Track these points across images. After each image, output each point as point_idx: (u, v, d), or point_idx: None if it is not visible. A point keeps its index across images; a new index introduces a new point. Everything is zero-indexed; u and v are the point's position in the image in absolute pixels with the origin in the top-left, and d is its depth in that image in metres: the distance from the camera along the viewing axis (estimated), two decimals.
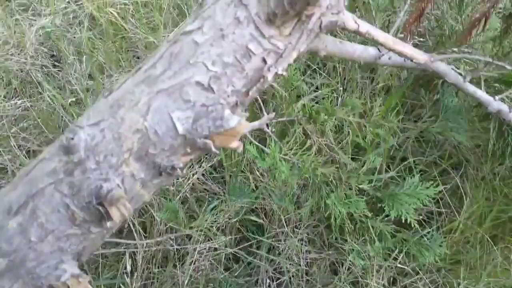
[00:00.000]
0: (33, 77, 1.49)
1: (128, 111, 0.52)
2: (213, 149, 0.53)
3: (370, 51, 0.76)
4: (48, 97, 1.37)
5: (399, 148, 1.15)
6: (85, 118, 0.54)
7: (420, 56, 0.65)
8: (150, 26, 1.53)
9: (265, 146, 0.96)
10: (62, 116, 1.33)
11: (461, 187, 1.19)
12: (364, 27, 0.60)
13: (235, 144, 0.54)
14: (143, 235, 1.10)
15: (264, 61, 0.54)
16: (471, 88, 0.73)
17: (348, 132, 1.02)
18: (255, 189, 1.07)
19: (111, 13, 1.52)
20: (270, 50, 0.53)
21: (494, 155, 0.96)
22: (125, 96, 0.53)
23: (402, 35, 0.84)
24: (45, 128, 1.31)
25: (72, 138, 0.51)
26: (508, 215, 1.18)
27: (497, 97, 0.76)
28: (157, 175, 0.54)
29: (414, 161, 1.14)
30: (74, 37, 1.59)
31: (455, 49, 0.77)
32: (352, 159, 1.12)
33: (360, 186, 0.91)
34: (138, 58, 1.47)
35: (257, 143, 0.92)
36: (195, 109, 0.53)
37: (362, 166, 1.01)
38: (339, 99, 1.02)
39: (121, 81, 0.56)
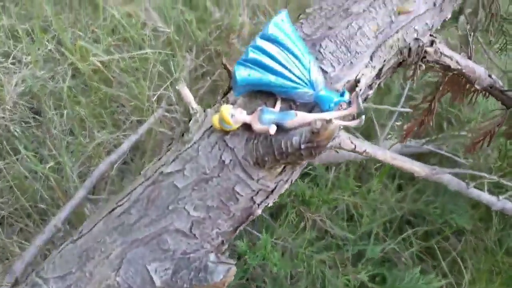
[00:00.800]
0: (11, 132, 1.42)
1: (98, 264, 0.46)
2: None
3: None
4: (26, 158, 1.29)
5: (395, 217, 1.10)
6: (51, 266, 0.48)
7: (421, 170, 0.60)
8: (135, 77, 1.47)
9: (255, 230, 0.90)
10: (39, 181, 1.25)
11: (460, 257, 1.14)
12: (361, 146, 0.55)
13: None
14: None
15: (253, 200, 0.48)
16: (475, 193, 0.68)
17: (343, 207, 0.97)
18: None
19: (95, 62, 1.46)
20: (259, 189, 0.48)
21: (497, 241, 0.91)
22: (96, 246, 0.46)
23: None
24: (20, 195, 1.23)
25: None
26: None
27: (501, 197, 0.71)
28: None
29: (413, 233, 1.09)
30: (56, 87, 1.52)
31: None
32: (348, 225, 1.07)
33: (358, 276, 0.85)
34: (121, 115, 1.40)
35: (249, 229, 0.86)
36: (175, 258, 0.46)
37: (358, 241, 0.96)
38: (334, 180, 0.97)
39: (92, 219, 0.50)
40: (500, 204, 0.71)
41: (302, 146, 0.40)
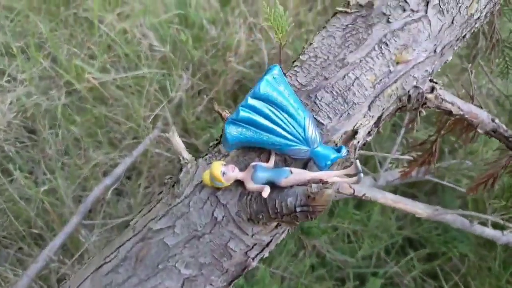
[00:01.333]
0: (5, 152, 1.39)
1: None
2: None
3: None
4: (20, 181, 1.27)
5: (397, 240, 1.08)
6: None
7: (423, 212, 0.57)
8: (131, 96, 1.44)
9: None
10: (34, 203, 1.23)
11: (464, 280, 1.12)
12: (360, 190, 0.53)
13: None
14: None
15: (247, 255, 0.46)
16: (479, 230, 0.66)
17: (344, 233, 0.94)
18: None
19: (90, 80, 1.44)
20: (254, 244, 0.45)
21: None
22: None
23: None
24: (14, 218, 1.21)
25: None
26: None
27: (505, 232, 0.69)
28: None
29: (415, 255, 1.06)
30: (51, 104, 1.50)
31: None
32: (348, 248, 1.04)
33: None
34: (117, 133, 1.38)
35: None
36: None
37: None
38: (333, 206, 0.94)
39: (80, 274, 0.48)
40: (505, 238, 0.69)
41: (297, 209, 0.38)
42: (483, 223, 0.69)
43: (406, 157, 0.58)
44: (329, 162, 0.40)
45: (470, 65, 0.53)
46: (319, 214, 0.37)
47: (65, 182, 1.29)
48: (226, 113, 0.48)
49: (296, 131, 0.39)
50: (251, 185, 0.40)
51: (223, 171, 0.40)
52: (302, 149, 0.40)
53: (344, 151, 0.40)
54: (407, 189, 1.14)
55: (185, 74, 1.37)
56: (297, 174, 0.40)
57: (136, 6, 1.57)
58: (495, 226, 0.72)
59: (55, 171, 1.28)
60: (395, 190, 1.01)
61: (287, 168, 0.41)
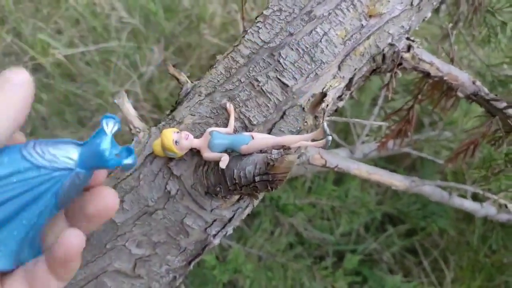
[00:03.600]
0: None
1: None
2: None
3: None
4: None
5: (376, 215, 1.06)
6: None
7: (400, 184, 0.54)
8: (100, 71, 1.37)
9: (226, 239, 0.84)
10: None
11: (443, 255, 1.11)
12: (332, 160, 0.49)
13: None
14: None
15: (207, 232, 0.42)
16: (458, 202, 0.63)
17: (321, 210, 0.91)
18: None
19: (57, 56, 1.36)
20: (214, 220, 0.41)
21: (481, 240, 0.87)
22: None
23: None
24: None
25: None
26: (495, 283, 1.11)
27: (484, 204, 0.66)
28: None
29: (394, 231, 1.04)
30: None
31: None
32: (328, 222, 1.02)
33: (337, 286, 0.80)
34: (86, 111, 1.31)
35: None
36: None
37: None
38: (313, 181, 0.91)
39: None
40: (484, 211, 0.67)
41: (256, 179, 0.33)
42: (463, 196, 0.67)
43: (381, 123, 0.54)
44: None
45: (450, 25, 0.49)
46: (280, 183, 0.32)
47: None
48: (182, 76, 0.43)
49: None
50: (208, 154, 0.36)
51: (175, 139, 0.36)
52: None
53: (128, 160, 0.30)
54: (387, 164, 1.11)
55: (156, 48, 1.31)
56: (259, 140, 0.35)
57: None
58: (475, 199, 0.70)
59: None
60: (374, 165, 0.98)
61: (247, 134, 0.36)
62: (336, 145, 0.72)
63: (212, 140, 0.36)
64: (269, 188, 0.33)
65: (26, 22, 1.48)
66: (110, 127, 0.30)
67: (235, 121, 0.38)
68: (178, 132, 0.36)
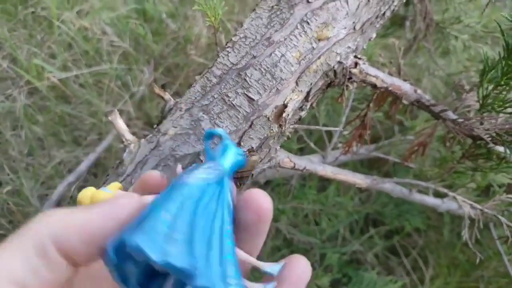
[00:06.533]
0: None
1: None
2: None
3: None
4: None
5: (359, 218, 1.13)
6: None
7: (363, 182, 0.61)
8: (93, 93, 1.44)
9: None
10: None
11: (423, 254, 1.18)
12: (300, 163, 0.56)
13: None
14: None
15: None
16: (418, 197, 0.71)
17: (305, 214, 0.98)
18: None
19: (52, 79, 1.43)
20: None
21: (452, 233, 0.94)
22: None
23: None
24: None
25: None
26: (472, 278, 1.17)
27: (445, 200, 0.74)
28: None
29: (376, 233, 1.11)
30: (13, 106, 1.48)
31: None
32: (315, 227, 1.08)
33: (319, 284, 0.86)
34: (81, 131, 1.38)
35: None
36: None
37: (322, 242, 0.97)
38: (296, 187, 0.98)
39: None
40: (445, 206, 0.74)
41: None
42: (426, 194, 0.74)
43: (335, 128, 0.62)
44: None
45: (397, 42, 0.57)
46: (246, 179, 0.39)
47: (30, 181, 1.29)
48: (166, 95, 0.51)
49: None
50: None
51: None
52: None
53: None
54: (368, 170, 1.19)
55: (146, 69, 1.38)
56: None
57: (95, 2, 1.56)
58: (438, 196, 0.77)
59: (19, 171, 1.27)
60: (353, 171, 1.06)
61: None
62: (310, 151, 0.80)
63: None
64: (236, 184, 0.40)
65: (21, 48, 1.55)
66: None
67: None
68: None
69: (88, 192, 0.31)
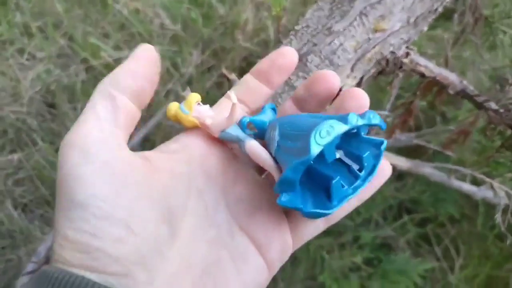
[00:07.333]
0: (28, 125, 1.50)
1: None
2: None
3: None
4: (44, 149, 1.38)
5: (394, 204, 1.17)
6: None
7: (404, 164, 0.66)
8: None
9: None
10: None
11: (455, 243, 1.20)
12: None
13: None
14: None
15: None
16: (457, 184, 0.74)
17: None
18: None
19: (106, 58, 1.53)
20: None
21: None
22: None
23: None
24: (40, 184, 1.32)
25: None
26: (503, 271, 1.19)
27: (481, 188, 0.77)
28: None
29: (410, 220, 1.15)
30: (70, 81, 1.59)
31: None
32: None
33: (354, 260, 0.92)
34: None
35: None
36: None
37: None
38: None
39: None
40: (481, 193, 0.77)
41: None
42: (463, 181, 0.77)
43: (383, 112, 0.66)
44: None
45: (445, 35, 0.60)
46: None
47: None
48: (232, 75, 0.57)
49: None
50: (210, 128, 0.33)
51: (199, 103, 0.33)
52: None
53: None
54: (407, 156, 1.22)
55: (195, 51, 1.46)
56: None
57: None
58: (476, 183, 0.80)
59: None
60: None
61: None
62: None
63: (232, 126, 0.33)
64: None
65: (77, 27, 1.66)
66: None
67: None
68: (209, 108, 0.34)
69: (173, 108, 0.34)
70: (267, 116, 0.34)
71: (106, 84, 0.30)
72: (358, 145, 0.31)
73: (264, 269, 0.32)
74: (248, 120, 0.33)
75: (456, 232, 1.22)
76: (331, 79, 0.33)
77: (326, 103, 0.34)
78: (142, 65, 0.31)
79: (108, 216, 0.27)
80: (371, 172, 0.30)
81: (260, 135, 0.34)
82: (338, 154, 0.31)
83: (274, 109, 0.35)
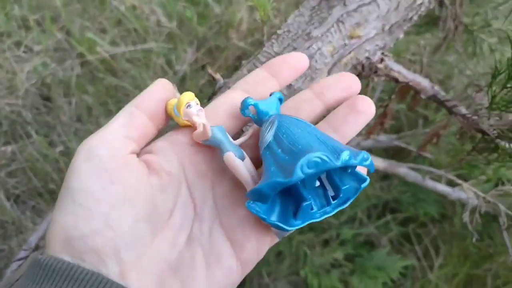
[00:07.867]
0: (23, 117, 1.52)
1: None
2: None
3: None
4: (38, 142, 1.40)
5: (378, 204, 1.20)
6: None
7: (380, 164, 0.69)
8: (139, 68, 1.56)
9: None
10: (50, 164, 1.37)
11: (435, 243, 1.24)
12: None
13: None
14: None
15: None
16: (431, 184, 0.78)
17: None
18: None
19: (102, 53, 1.55)
20: None
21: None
22: None
23: None
24: (33, 176, 1.35)
25: None
26: (481, 270, 1.23)
27: (455, 189, 0.80)
28: None
29: (392, 219, 1.19)
30: (66, 75, 1.62)
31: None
32: None
33: (334, 256, 0.95)
34: (126, 103, 1.50)
35: None
36: None
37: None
38: None
39: None
40: (456, 194, 0.81)
41: None
42: (439, 182, 0.81)
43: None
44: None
45: (423, 42, 0.64)
46: None
47: (78, 145, 1.42)
48: (217, 75, 0.60)
49: None
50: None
51: (190, 103, 0.35)
52: None
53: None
54: (391, 158, 1.26)
55: (189, 49, 1.48)
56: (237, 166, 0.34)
57: None
58: (451, 185, 0.83)
59: (69, 135, 1.41)
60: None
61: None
62: None
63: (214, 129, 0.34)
64: None
65: (75, 21, 1.68)
66: None
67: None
68: (198, 104, 0.35)
69: (169, 107, 0.36)
70: (271, 106, 0.35)
71: (131, 103, 0.35)
72: (342, 175, 0.31)
73: (236, 270, 0.34)
74: (251, 103, 0.35)
75: (437, 232, 1.25)
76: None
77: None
78: (161, 91, 0.36)
79: (91, 208, 0.30)
80: (343, 203, 0.31)
81: (259, 121, 0.35)
82: (318, 182, 0.32)
83: (281, 100, 0.36)
